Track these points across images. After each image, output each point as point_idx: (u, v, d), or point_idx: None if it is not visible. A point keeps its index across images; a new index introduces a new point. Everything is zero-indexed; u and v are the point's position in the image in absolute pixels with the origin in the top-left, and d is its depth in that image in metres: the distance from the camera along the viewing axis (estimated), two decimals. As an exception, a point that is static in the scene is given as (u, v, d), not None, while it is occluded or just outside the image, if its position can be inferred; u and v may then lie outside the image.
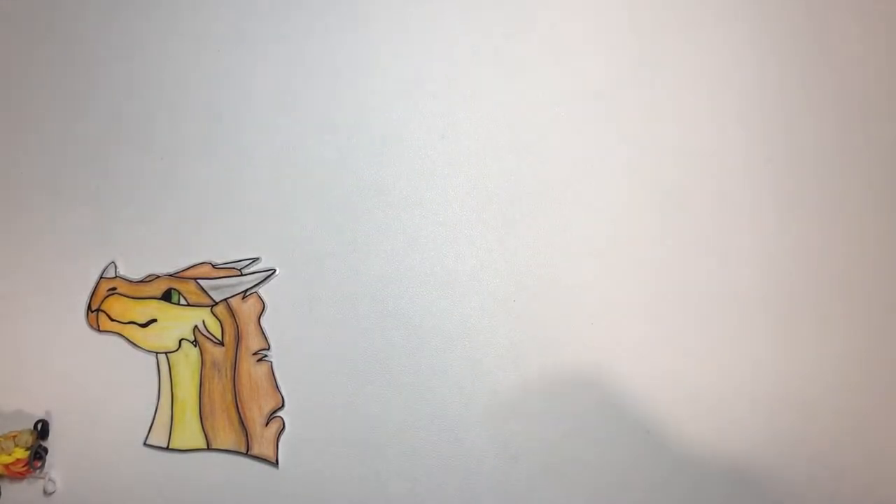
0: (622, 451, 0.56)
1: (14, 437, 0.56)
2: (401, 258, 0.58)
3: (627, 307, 0.57)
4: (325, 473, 0.57)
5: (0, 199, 0.60)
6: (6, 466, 0.55)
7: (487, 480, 0.56)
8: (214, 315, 0.58)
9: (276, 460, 0.57)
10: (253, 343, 0.58)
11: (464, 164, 0.59)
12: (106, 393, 0.58)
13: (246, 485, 0.57)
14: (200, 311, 0.58)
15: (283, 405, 0.57)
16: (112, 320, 0.58)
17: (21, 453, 0.55)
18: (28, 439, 0.56)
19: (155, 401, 0.57)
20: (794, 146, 0.59)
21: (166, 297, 0.58)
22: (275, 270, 0.58)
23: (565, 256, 0.58)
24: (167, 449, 0.57)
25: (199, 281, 0.58)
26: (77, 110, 0.61)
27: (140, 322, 0.58)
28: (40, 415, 0.58)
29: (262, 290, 0.58)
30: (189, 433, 0.57)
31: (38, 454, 0.56)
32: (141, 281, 0.58)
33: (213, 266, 0.58)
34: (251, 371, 0.57)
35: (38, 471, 0.56)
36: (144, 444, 0.57)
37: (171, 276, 0.58)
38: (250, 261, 0.58)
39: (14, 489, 0.57)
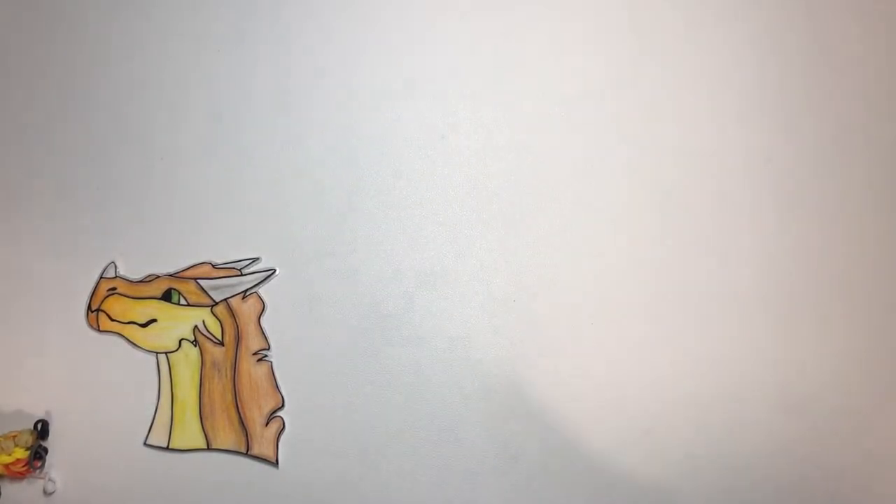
0: (622, 451, 0.56)
1: (14, 437, 0.56)
2: (401, 258, 0.58)
3: (627, 307, 0.57)
4: (325, 473, 0.57)
5: (0, 198, 0.60)
6: (6, 466, 0.55)
7: (487, 480, 0.56)
8: (214, 315, 0.58)
9: (276, 460, 0.57)
10: (253, 343, 0.58)
11: (464, 164, 0.59)
12: (106, 393, 0.58)
13: (246, 485, 0.57)
14: (200, 311, 0.58)
15: (283, 405, 0.57)
16: (112, 320, 0.58)
17: (21, 453, 0.55)
18: (28, 439, 0.56)
19: (155, 401, 0.57)
20: (794, 146, 0.59)
21: (166, 297, 0.58)
22: (275, 270, 0.58)
23: (565, 256, 0.58)
24: (167, 449, 0.57)
25: (199, 281, 0.58)
26: (77, 110, 0.61)
27: (140, 322, 0.58)
28: (40, 415, 0.58)
29: (262, 290, 0.58)
30: (189, 433, 0.57)
31: (38, 454, 0.56)
32: (141, 281, 0.58)
33: (213, 266, 0.58)
34: (251, 371, 0.57)
35: (38, 471, 0.56)
36: (144, 444, 0.57)
37: (171, 276, 0.58)
38: (250, 261, 0.58)
39: (14, 489, 0.57)
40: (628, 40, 0.60)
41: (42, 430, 0.57)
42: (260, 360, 0.57)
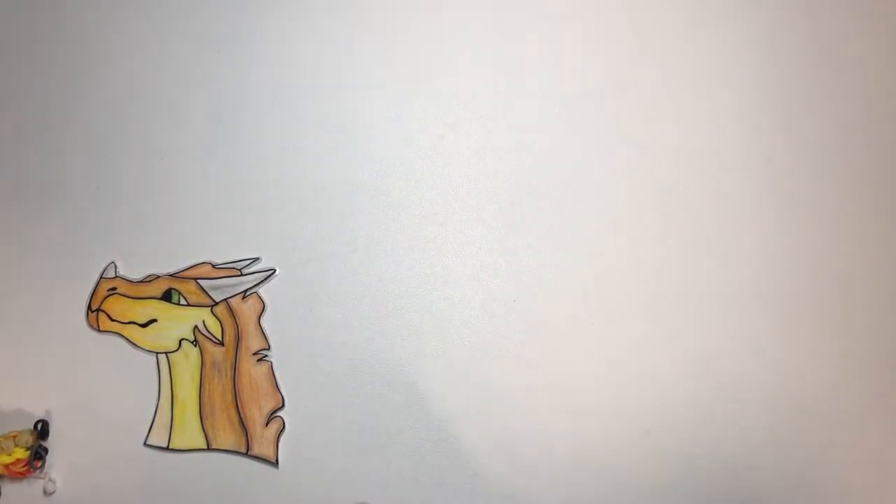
0: (622, 451, 0.56)
1: (14, 437, 0.56)
2: (401, 258, 0.58)
3: (627, 307, 0.57)
4: (325, 473, 0.57)
5: (0, 198, 0.60)
6: (6, 466, 0.55)
7: (487, 480, 0.56)
8: (214, 315, 0.58)
9: (276, 460, 0.57)
10: (253, 343, 0.58)
11: (464, 164, 0.59)
12: (106, 393, 0.58)
13: (246, 485, 0.57)
14: (200, 311, 0.58)
15: (283, 405, 0.57)
16: (112, 320, 0.58)
17: (21, 453, 0.55)
18: (28, 439, 0.56)
19: (155, 401, 0.57)
20: (794, 146, 0.59)
21: (166, 297, 0.58)
22: (275, 270, 0.58)
23: (565, 256, 0.58)
24: (167, 449, 0.57)
25: (199, 281, 0.58)
26: (77, 110, 0.61)
27: (140, 322, 0.58)
28: (40, 415, 0.58)
29: (262, 290, 0.58)
30: (189, 433, 0.57)
31: (38, 454, 0.56)
32: (141, 281, 0.58)
33: (213, 266, 0.58)
34: (251, 371, 0.57)
35: (38, 471, 0.56)
36: (144, 444, 0.57)
37: (171, 276, 0.58)
38: (250, 261, 0.58)
39: (14, 489, 0.57)
40: (628, 40, 0.60)
41: (42, 430, 0.57)
42: (260, 360, 0.57)
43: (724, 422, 0.56)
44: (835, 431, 0.56)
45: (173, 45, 0.61)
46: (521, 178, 0.59)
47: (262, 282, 0.58)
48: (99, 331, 0.58)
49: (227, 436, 0.57)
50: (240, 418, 0.57)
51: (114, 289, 0.58)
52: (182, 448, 0.57)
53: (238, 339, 0.58)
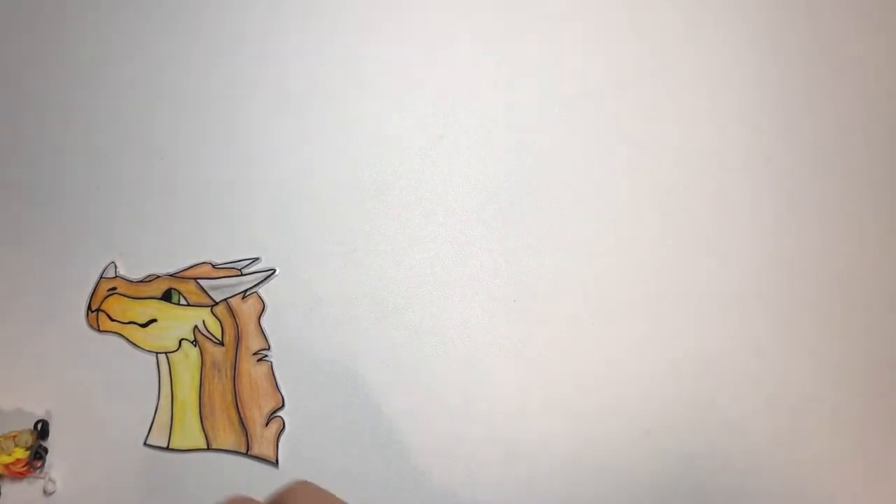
0: (622, 451, 0.56)
1: (14, 437, 0.56)
2: (401, 258, 0.58)
3: (627, 307, 0.57)
4: (325, 473, 0.57)
5: (0, 198, 0.60)
6: (6, 466, 0.55)
7: (488, 480, 0.56)
8: (214, 315, 0.58)
9: (276, 460, 0.57)
10: (253, 343, 0.58)
11: (464, 164, 0.59)
12: (106, 393, 0.58)
13: (246, 485, 0.57)
14: (200, 311, 0.58)
15: (283, 405, 0.57)
16: (112, 320, 0.58)
17: (21, 453, 0.55)
18: (28, 439, 0.56)
19: (155, 401, 0.57)
20: (794, 146, 0.59)
21: (166, 297, 0.58)
22: (275, 270, 0.58)
23: (565, 256, 0.58)
24: (167, 449, 0.57)
25: (199, 281, 0.58)
26: (77, 110, 0.61)
27: (140, 322, 0.58)
28: (40, 415, 0.58)
29: (262, 290, 0.58)
30: (189, 433, 0.57)
31: (38, 454, 0.56)
32: (141, 281, 0.58)
33: (213, 266, 0.58)
34: (251, 371, 0.57)
35: (38, 471, 0.56)
36: (144, 444, 0.57)
37: (171, 276, 0.58)
38: (250, 261, 0.58)
39: (14, 489, 0.57)
40: (628, 40, 0.60)
41: (42, 430, 0.57)
42: (260, 360, 0.57)
43: (724, 422, 0.56)
44: (835, 431, 0.56)
45: (173, 45, 0.61)
46: (521, 178, 0.59)
47: (262, 282, 0.58)
48: (99, 331, 0.58)
49: (227, 436, 0.57)
50: (240, 418, 0.57)
51: (114, 289, 0.58)
52: (182, 448, 0.57)
53: (238, 339, 0.58)
